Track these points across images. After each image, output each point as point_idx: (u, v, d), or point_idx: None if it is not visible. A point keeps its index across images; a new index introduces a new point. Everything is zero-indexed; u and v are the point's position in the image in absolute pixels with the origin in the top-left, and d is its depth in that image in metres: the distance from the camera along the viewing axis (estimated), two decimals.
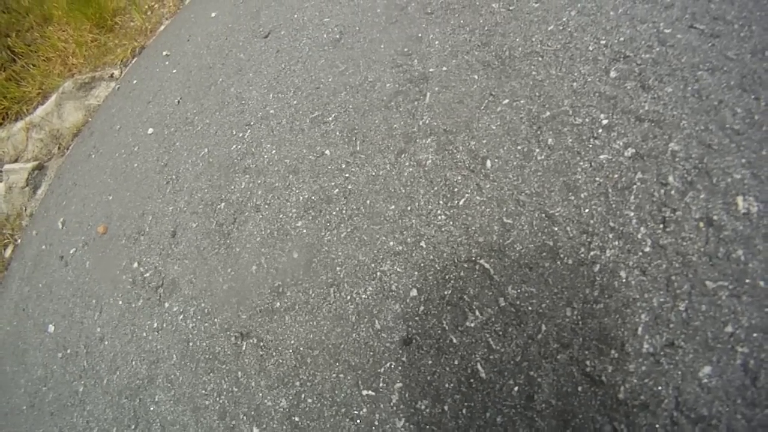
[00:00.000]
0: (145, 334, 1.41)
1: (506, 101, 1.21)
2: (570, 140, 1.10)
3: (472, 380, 0.96)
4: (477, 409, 0.94)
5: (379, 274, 1.09)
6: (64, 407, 1.82)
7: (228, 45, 2.42)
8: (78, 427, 1.68)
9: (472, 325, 1.00)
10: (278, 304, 1.20)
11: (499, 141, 1.14)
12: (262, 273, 1.25)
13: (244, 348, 1.19)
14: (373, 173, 1.20)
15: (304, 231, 1.28)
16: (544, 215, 1.03)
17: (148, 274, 1.52)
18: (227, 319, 1.24)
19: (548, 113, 1.15)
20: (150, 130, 2.13)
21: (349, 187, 1.22)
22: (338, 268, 1.13)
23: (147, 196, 1.78)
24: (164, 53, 2.82)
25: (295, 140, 1.51)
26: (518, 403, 0.92)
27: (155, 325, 1.40)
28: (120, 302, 1.57)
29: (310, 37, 1.97)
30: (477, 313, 1.00)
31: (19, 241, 3.23)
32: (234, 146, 1.61)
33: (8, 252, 3.30)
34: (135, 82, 2.70)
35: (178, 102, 2.13)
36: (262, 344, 1.18)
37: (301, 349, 1.13)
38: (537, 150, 1.10)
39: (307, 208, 1.32)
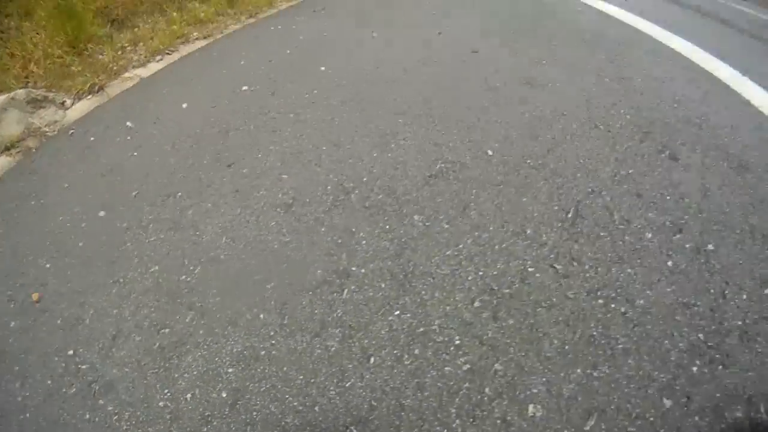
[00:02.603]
0: (81, 426, 1.56)
1: (397, 312, 1.64)
2: (429, 353, 1.56)
3: None
4: None
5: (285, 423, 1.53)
6: None
7: (193, 155, 2.39)
8: None
9: None
10: (205, 429, 1.54)
11: (383, 344, 1.58)
12: (195, 402, 1.57)
13: None
14: (293, 346, 1.61)
15: (234, 377, 1.60)
16: (398, 404, 1.50)
17: (84, 367, 1.69)
18: (160, 430, 1.53)
19: (422, 329, 1.60)
20: (101, 213, 2.19)
21: (273, 352, 1.63)
22: (254, 413, 1.56)
23: (90, 285, 1.89)
24: (127, 124, 2.81)
25: (238, 296, 1.83)
26: None
27: (87, 416, 1.58)
28: (49, 382, 1.70)
29: (267, 189, 2.11)
30: None
31: None
32: (183, 277, 1.86)
33: None
34: (92, 139, 2.73)
35: (135, 195, 2.25)
36: None
37: None
38: (405, 356, 1.55)
39: (239, 360, 1.64)
